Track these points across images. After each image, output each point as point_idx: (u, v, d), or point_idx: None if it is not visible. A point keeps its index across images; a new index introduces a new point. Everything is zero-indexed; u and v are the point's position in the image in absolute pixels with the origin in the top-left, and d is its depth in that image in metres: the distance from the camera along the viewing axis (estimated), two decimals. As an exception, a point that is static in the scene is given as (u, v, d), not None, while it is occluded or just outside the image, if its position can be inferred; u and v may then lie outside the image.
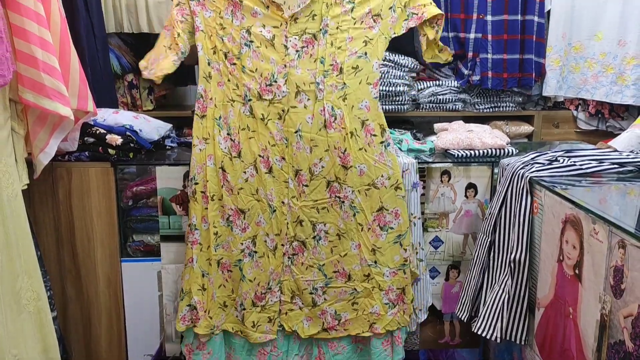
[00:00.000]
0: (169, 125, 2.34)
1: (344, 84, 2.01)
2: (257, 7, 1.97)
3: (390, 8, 2.03)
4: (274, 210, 2.03)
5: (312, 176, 2.03)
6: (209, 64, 2.01)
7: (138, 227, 2.14)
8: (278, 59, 1.98)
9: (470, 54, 3.02)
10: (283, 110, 2.01)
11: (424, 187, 2.21)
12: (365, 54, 2.02)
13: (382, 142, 2.03)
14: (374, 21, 2.02)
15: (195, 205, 2.00)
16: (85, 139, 2.04)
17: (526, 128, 3.13)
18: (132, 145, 2.08)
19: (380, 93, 2.96)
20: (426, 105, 3.12)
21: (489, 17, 2.97)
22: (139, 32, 2.84)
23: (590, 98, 3.08)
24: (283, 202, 2.04)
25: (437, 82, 3.10)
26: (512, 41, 2.98)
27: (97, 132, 2.04)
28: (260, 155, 2.01)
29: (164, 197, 2.11)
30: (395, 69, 3.02)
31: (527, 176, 1.85)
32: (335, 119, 2.01)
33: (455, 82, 3.09)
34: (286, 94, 2.00)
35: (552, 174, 1.86)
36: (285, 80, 2.00)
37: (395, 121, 3.15)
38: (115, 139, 2.03)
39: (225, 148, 2.01)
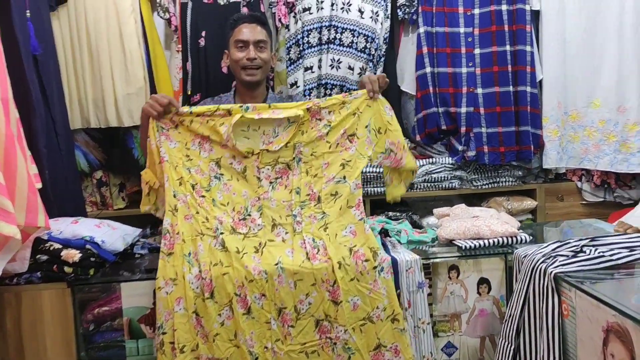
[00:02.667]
0: (138, 230, 2.08)
1: (324, 213, 1.85)
2: (223, 140, 1.84)
3: (366, 127, 1.89)
4: (256, 358, 1.73)
5: (298, 315, 1.76)
6: (174, 196, 1.82)
7: (102, 355, 1.82)
8: (251, 192, 1.85)
9: (463, 129, 2.85)
10: (260, 244, 1.81)
11: (430, 286, 1.94)
12: (344, 177, 1.87)
13: (375, 268, 1.79)
14: (349, 141, 1.88)
15: (163, 359, 1.71)
16: (38, 257, 1.77)
17: (529, 203, 2.91)
18: (92, 259, 1.80)
19: (370, 175, 2.76)
20: (420, 185, 2.91)
21: (479, 90, 2.82)
22: (107, 127, 2.63)
23: (594, 168, 2.89)
24: (266, 347, 1.74)
25: (431, 159, 2.91)
26: (506, 113, 2.81)
27: (52, 248, 1.77)
28: (236, 294, 1.74)
29: (130, 318, 1.81)
30: None
31: (551, 272, 1.60)
32: (319, 250, 1.80)
33: (450, 158, 2.90)
34: (262, 227, 1.83)
35: (580, 268, 1.61)
36: (260, 214, 1.84)
37: (388, 203, 2.92)
38: (73, 255, 1.75)
39: (197, 288, 1.74)
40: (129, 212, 2.74)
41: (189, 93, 2.68)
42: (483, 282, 1.96)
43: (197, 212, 1.81)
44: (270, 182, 1.87)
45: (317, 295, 1.77)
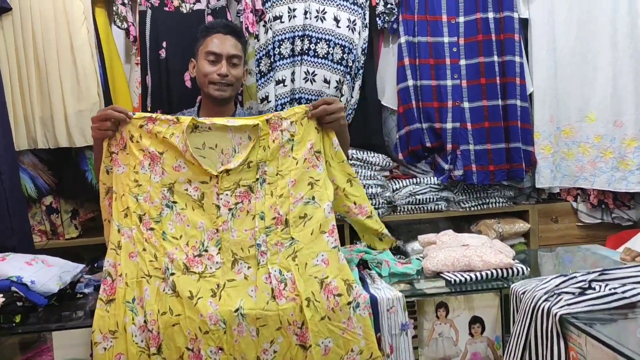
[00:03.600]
0: (80, 266, 1.81)
1: (292, 238, 1.62)
2: (180, 159, 1.61)
3: (331, 148, 1.72)
4: None
5: None
6: (118, 230, 1.57)
7: (30, 417, 1.54)
8: (208, 223, 1.62)
9: (449, 146, 2.63)
10: (217, 286, 1.56)
11: (415, 327, 1.69)
12: (313, 198, 1.65)
13: (349, 304, 1.55)
14: (316, 159, 1.67)
15: None
16: (-48, 302, 1.49)
17: (521, 226, 2.69)
18: (19, 304, 1.53)
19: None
20: (404, 208, 2.68)
21: (465, 104, 2.61)
22: (56, 148, 2.37)
23: (590, 187, 2.68)
24: None
25: (415, 179, 2.69)
26: (495, 129, 2.61)
27: (-31, 291, 1.50)
28: (188, 349, 1.49)
29: (65, 374, 1.53)
30: (364, 168, 2.61)
31: (556, 313, 1.36)
32: (286, 285, 1.57)
33: (435, 178, 2.68)
34: (220, 265, 1.59)
35: (589, 307, 1.38)
36: (219, 249, 1.60)
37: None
38: (-6, 300, 1.48)
39: (141, 342, 1.49)
40: (83, 241, 2.48)
41: (149, 109, 2.44)
42: (476, 321, 1.72)
43: (144, 249, 1.56)
44: (230, 210, 1.62)
45: (283, 342, 1.52)
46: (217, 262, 1.59)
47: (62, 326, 1.55)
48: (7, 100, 2.28)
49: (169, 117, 1.61)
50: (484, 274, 1.75)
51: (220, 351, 1.48)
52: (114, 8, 2.43)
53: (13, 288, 1.54)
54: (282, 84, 2.53)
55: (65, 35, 2.33)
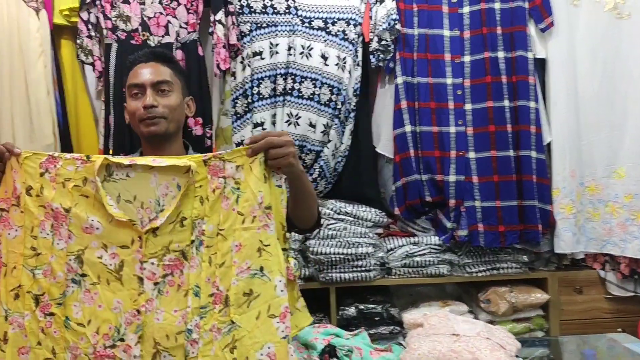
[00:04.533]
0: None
1: (232, 322, 1.27)
2: (92, 216, 1.28)
3: (282, 200, 1.33)
4: None
5: None
6: (6, 318, 1.26)
7: None
8: (127, 302, 1.29)
9: (452, 202, 2.28)
10: None
11: None
12: (261, 269, 1.28)
13: None
14: (267, 216, 1.29)
15: None
16: None
17: (539, 296, 2.30)
18: None
19: (336, 258, 2.19)
20: (400, 271, 2.33)
21: (471, 154, 2.27)
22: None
23: (620, 254, 2.28)
24: None
25: (412, 239, 2.35)
26: (506, 183, 2.26)
27: None
28: None
29: None
30: (353, 223, 2.29)
31: None
32: None
33: (436, 238, 2.34)
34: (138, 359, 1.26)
35: None
36: (139, 337, 1.27)
37: (361, 292, 2.34)
38: None
39: None
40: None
41: (111, 152, 2.18)
42: None
43: (39, 343, 1.25)
44: (156, 284, 1.29)
45: None
46: (134, 356, 1.25)
47: None
48: (-49, 139, 2.05)
49: (76, 155, 1.28)
50: (475, 376, 1.38)
51: None
52: (78, 41, 2.20)
53: None
54: (260, 127, 2.24)
55: (19, 69, 2.10)
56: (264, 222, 1.28)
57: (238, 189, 1.28)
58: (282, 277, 1.29)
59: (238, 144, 2.23)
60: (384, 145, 2.40)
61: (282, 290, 1.28)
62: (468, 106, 2.28)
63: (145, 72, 1.54)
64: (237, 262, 1.27)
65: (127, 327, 1.27)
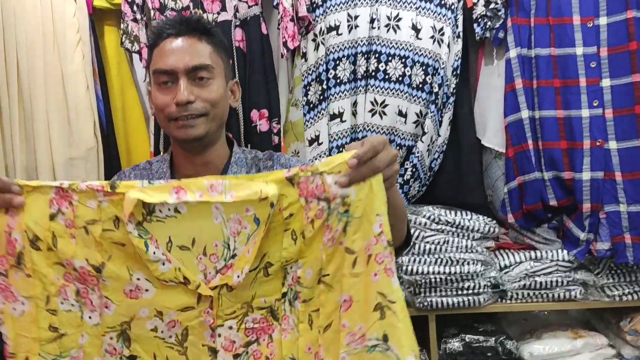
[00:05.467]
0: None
1: None
2: (138, 272, 0.90)
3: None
4: None
5: None
6: None
7: None
8: None
9: (586, 206, 1.79)
10: None
11: None
12: (385, 339, 0.87)
13: None
14: (391, 254, 0.88)
15: None
16: None
17: None
18: None
19: (435, 278, 1.75)
20: (517, 294, 1.86)
21: (612, 144, 1.76)
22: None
23: None
24: None
25: (533, 253, 1.88)
26: (661, 181, 1.73)
27: None
28: None
29: None
30: (457, 235, 1.85)
31: None
32: None
33: (565, 252, 1.85)
34: None
35: None
36: None
37: (466, 319, 1.89)
38: None
39: None
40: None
41: (162, 153, 1.83)
42: None
43: None
44: (237, 356, 0.93)
45: None
46: None
47: None
48: (-16, 146, 1.77)
49: (94, 184, 0.88)
50: None
51: None
52: (122, 26, 1.86)
53: None
54: (338, 119, 1.82)
55: (54, 61, 1.79)
56: (385, 264, 0.87)
57: (346, 212, 0.87)
58: (414, 354, 0.86)
59: (312, 140, 1.82)
60: (491, 136, 1.93)
61: None
62: (606, 82, 1.76)
63: (178, 53, 1.12)
64: (346, 325, 0.88)
65: None
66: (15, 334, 0.88)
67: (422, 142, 1.85)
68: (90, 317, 0.90)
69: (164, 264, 0.88)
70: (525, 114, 1.82)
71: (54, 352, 0.89)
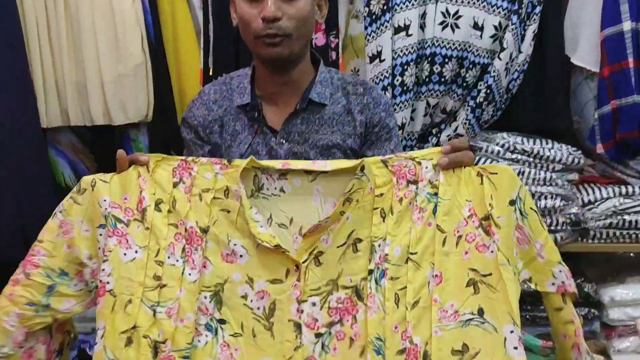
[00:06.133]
0: None
1: None
2: (235, 239, 0.97)
3: (512, 203, 0.91)
4: None
5: None
6: None
7: None
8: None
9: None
10: None
11: None
12: (481, 312, 0.88)
13: None
14: (485, 231, 0.90)
15: None
16: None
17: None
18: None
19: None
20: (601, 233, 1.67)
21: None
22: (92, 126, 1.76)
23: None
24: None
25: (624, 188, 1.68)
26: None
27: None
28: None
29: None
30: (535, 166, 1.66)
31: None
32: None
33: (662, 189, 1.60)
34: None
35: None
36: None
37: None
38: None
39: None
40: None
41: (211, 73, 1.73)
42: None
43: None
44: (319, 335, 0.93)
45: None
46: None
47: None
48: (35, 61, 1.71)
49: (213, 159, 1.01)
50: None
51: None
52: None
53: None
54: (404, 33, 1.61)
55: (99, -27, 1.67)
56: (477, 240, 0.90)
57: (435, 194, 0.94)
58: (514, 326, 0.85)
59: (373, 57, 1.63)
60: (583, 53, 1.69)
61: (515, 347, 0.85)
62: None
63: None
64: (438, 300, 0.89)
65: None
66: (119, 275, 0.94)
67: (500, 59, 1.63)
68: (190, 274, 0.95)
69: (262, 226, 0.95)
70: (627, 25, 1.58)
71: (153, 299, 0.93)
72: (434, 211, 0.92)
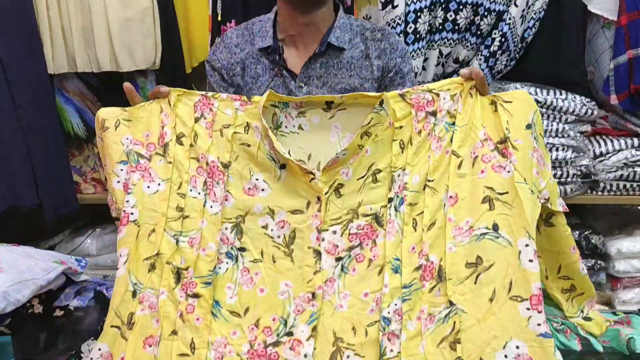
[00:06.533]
0: (59, 267, 1.16)
1: (450, 304, 0.85)
2: (257, 173, 1.00)
3: (529, 127, 0.91)
4: None
5: None
6: (133, 294, 0.93)
7: None
8: (298, 284, 0.96)
9: None
10: None
11: None
12: (495, 227, 0.87)
13: None
14: (501, 154, 0.91)
15: None
16: None
17: None
18: None
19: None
20: (611, 185, 1.66)
21: None
22: (99, 72, 1.74)
23: None
24: None
25: (636, 140, 1.67)
26: None
27: None
28: None
29: None
30: (548, 117, 1.67)
31: None
32: None
33: (676, 141, 1.59)
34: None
35: None
36: (312, 329, 0.91)
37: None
38: None
39: None
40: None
41: (219, 19, 1.69)
42: None
43: (174, 332, 0.91)
44: (339, 259, 0.96)
45: None
46: (304, 356, 0.89)
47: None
48: (41, 7, 1.68)
49: (233, 95, 1.03)
50: None
51: None
52: None
53: None
54: (418, -25, 1.57)
55: None
56: (491, 162, 0.90)
57: (453, 124, 0.95)
58: (530, 240, 0.84)
59: (385, 3, 1.59)
60: (601, 0, 1.62)
61: (530, 260, 0.83)
62: None
63: None
64: (452, 219, 0.91)
65: (297, 316, 0.93)
66: (143, 207, 0.97)
67: (516, 6, 1.59)
68: (211, 207, 0.98)
69: (283, 148, 0.97)
70: (649, -29, 1.50)
71: (176, 229, 0.96)
72: (452, 139, 0.94)
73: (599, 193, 1.68)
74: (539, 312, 0.79)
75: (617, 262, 1.67)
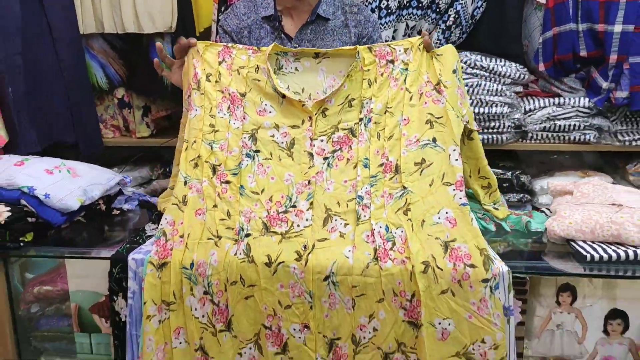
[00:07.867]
0: (117, 177, 1.53)
1: (404, 188, 1.28)
2: (266, 100, 1.40)
3: (454, 72, 1.38)
4: None
5: (357, 347, 1.19)
6: (185, 183, 1.32)
7: (47, 347, 1.35)
8: (298, 175, 1.35)
9: (612, 57, 1.93)
10: (304, 248, 1.22)
11: (523, 312, 1.22)
12: (434, 140, 1.32)
13: (485, 281, 1.13)
14: (437, 92, 1.35)
15: None
16: (-44, 211, 1.29)
17: None
18: (30, 220, 1.29)
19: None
20: (537, 135, 2.08)
21: (648, -2, 1.85)
22: (124, 33, 2.06)
23: None
24: None
25: (557, 99, 2.05)
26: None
27: (-26, 199, 1.28)
28: (265, 326, 1.21)
29: (79, 306, 1.30)
30: (489, 80, 2.02)
31: None
32: (394, 244, 1.21)
33: (587, 100, 2.02)
34: (310, 223, 1.27)
35: None
36: (310, 203, 1.30)
37: (487, 157, 2.15)
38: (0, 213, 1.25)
39: (202, 316, 1.22)
40: (154, 141, 2.22)
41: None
42: (616, 316, 1.21)
43: (215, 206, 1.29)
44: (326, 158, 1.36)
45: (386, 317, 1.17)
46: (306, 220, 1.27)
47: (75, 253, 1.30)
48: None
49: (247, 46, 1.43)
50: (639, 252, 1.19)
51: (305, 329, 1.18)
52: None
53: (23, 201, 1.30)
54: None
55: None
56: (432, 96, 1.34)
57: (406, 69, 1.37)
58: (456, 147, 1.28)
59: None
60: (534, -13, 2.03)
61: (456, 160, 1.28)
62: None
63: None
64: (405, 134, 1.33)
65: (298, 195, 1.31)
66: (190, 128, 1.37)
67: (466, -7, 1.97)
68: (234, 123, 1.38)
69: (281, 84, 1.36)
70: (569, -36, 1.91)
71: (210, 139, 1.36)
72: (405, 80, 1.35)
73: (528, 141, 2.10)
74: (461, 191, 1.21)
75: (540, 196, 2.09)
